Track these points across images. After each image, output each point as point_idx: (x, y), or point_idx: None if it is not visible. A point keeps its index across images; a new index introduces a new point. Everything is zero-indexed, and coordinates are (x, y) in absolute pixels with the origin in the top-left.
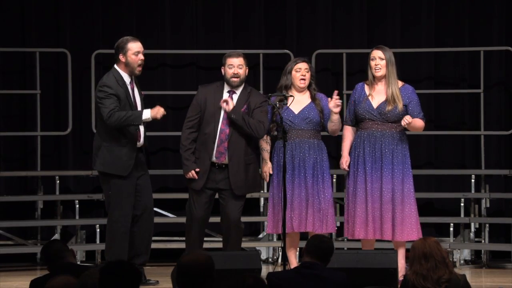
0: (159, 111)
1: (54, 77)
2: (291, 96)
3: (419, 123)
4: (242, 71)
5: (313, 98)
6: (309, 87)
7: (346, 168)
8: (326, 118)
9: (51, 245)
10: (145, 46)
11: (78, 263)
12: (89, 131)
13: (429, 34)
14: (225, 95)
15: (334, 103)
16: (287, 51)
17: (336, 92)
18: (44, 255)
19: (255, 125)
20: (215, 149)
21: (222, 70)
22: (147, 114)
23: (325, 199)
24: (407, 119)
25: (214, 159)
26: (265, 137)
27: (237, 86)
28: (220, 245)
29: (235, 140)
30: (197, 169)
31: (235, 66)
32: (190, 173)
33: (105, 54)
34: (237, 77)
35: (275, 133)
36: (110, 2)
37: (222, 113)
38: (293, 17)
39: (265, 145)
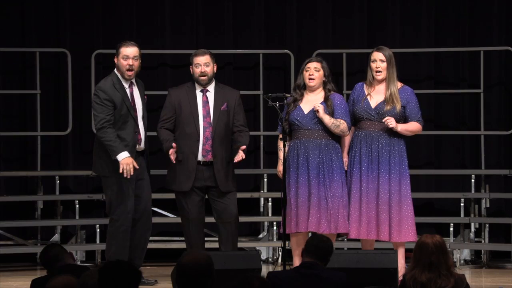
0: (125, 168)
1: (54, 77)
2: (290, 96)
3: (413, 126)
4: (209, 69)
5: (326, 98)
6: (324, 87)
7: (345, 168)
8: (335, 117)
9: (49, 249)
10: (145, 46)
11: (78, 263)
12: (89, 131)
13: (429, 34)
14: (199, 95)
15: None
16: (287, 51)
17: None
18: (42, 259)
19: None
20: (200, 147)
21: (191, 69)
22: (121, 157)
23: (334, 198)
24: (390, 123)
25: (200, 157)
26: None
27: (207, 84)
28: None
29: (218, 138)
30: (174, 144)
31: (202, 64)
32: (171, 149)
33: (105, 54)
34: (204, 76)
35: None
36: (110, 2)
37: (201, 112)
38: (293, 17)
39: (282, 144)
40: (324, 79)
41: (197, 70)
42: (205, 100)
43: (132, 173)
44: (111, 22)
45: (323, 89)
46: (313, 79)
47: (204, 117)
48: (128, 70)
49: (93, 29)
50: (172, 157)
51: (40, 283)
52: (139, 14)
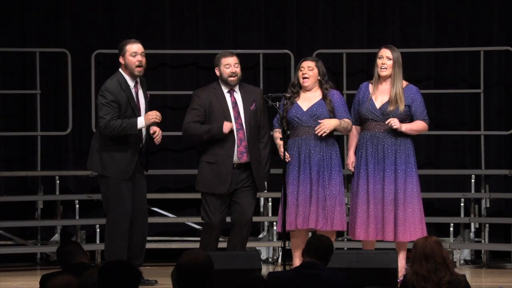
0: (148, 118)
1: (54, 77)
2: (289, 96)
3: (418, 125)
4: (239, 70)
5: (324, 96)
6: (321, 86)
7: (352, 169)
8: (338, 115)
9: (65, 244)
10: (145, 46)
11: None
12: (89, 131)
13: (429, 34)
14: (227, 96)
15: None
16: (287, 51)
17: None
18: (57, 253)
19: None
20: (235, 149)
21: (217, 71)
22: (141, 122)
23: (331, 196)
24: (394, 124)
25: (236, 159)
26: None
27: (236, 85)
28: (222, 244)
29: (251, 139)
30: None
31: (232, 65)
32: (226, 126)
33: (105, 54)
34: (235, 76)
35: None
36: (111, 2)
37: (233, 113)
38: (293, 17)
39: (278, 137)
40: (319, 78)
41: (227, 71)
42: (234, 101)
43: (154, 119)
44: (111, 22)
45: (319, 87)
46: (307, 78)
47: (235, 118)
48: (138, 66)
49: (93, 29)
50: (228, 127)
51: (48, 279)
52: (139, 14)
